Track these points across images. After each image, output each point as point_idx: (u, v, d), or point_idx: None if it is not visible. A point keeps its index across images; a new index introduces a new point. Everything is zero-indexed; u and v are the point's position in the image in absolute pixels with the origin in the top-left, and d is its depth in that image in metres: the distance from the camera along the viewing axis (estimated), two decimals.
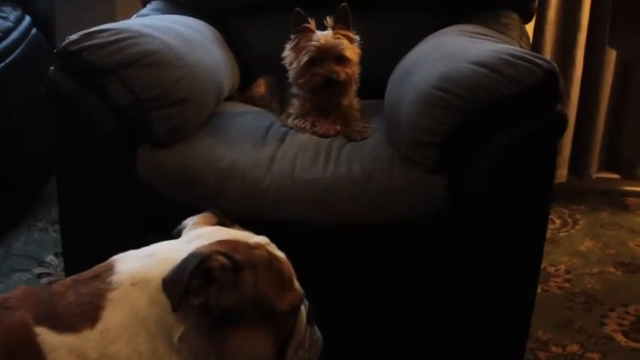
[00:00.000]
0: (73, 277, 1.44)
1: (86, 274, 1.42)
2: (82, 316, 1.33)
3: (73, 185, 2.34)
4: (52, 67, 2.22)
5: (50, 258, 2.94)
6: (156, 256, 1.41)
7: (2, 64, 2.82)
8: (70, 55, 2.17)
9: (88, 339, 1.32)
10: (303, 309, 1.49)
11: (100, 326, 1.33)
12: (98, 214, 2.32)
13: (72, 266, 2.35)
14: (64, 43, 2.19)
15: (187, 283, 1.27)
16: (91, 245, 2.32)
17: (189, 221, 1.59)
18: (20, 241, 3.06)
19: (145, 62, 2.19)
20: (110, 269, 1.40)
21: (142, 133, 2.23)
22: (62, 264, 2.55)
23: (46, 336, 1.30)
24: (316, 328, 1.55)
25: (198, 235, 1.48)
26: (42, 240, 3.08)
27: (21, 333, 1.31)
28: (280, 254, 1.47)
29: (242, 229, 1.55)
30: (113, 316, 1.33)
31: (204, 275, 1.30)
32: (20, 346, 1.31)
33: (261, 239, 1.48)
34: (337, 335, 2.24)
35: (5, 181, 2.99)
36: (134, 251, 1.46)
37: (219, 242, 1.40)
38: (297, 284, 1.46)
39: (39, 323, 1.32)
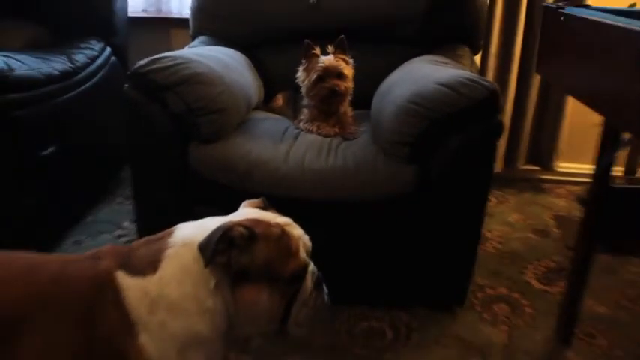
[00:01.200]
0: (146, 237, 1.46)
1: (154, 236, 1.45)
2: (148, 265, 1.37)
3: (141, 171, 2.34)
4: (126, 85, 2.21)
5: (126, 224, 2.94)
6: (203, 226, 1.40)
7: (90, 82, 2.82)
8: (140, 75, 2.17)
9: (150, 281, 1.36)
10: (309, 276, 1.46)
11: (159, 273, 1.36)
12: (160, 193, 2.33)
13: (142, 230, 2.41)
14: (135, 67, 2.20)
15: (214, 247, 1.31)
16: (155, 215, 2.36)
17: (243, 203, 1.58)
18: (104, 212, 3.06)
19: (194, 81, 2.18)
20: (171, 233, 1.43)
21: (192, 134, 2.22)
22: (135, 228, 2.54)
23: (122, 278, 1.35)
24: (324, 291, 1.51)
25: (240, 214, 1.50)
26: (120, 210, 3.08)
27: (106, 275, 1.35)
28: (297, 232, 1.46)
29: (275, 213, 1.52)
30: (168, 266, 1.37)
31: (227, 241, 1.33)
32: (105, 284, 1.35)
33: (283, 220, 1.46)
34: (336, 279, 2.27)
35: (93, 169, 2.99)
36: (192, 222, 1.46)
37: (247, 219, 1.41)
38: (302, 257, 1.43)
39: (119, 269, 1.36)
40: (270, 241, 1.38)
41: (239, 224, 1.36)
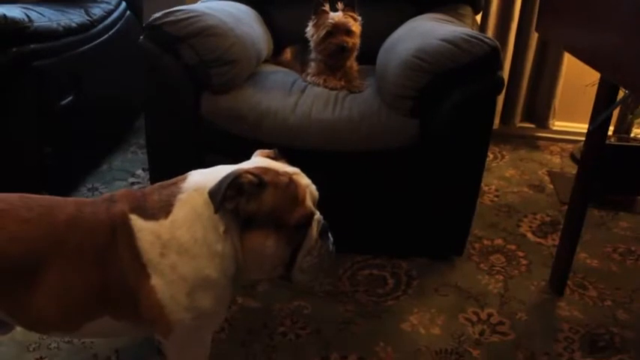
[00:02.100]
0: (159, 183, 1.46)
1: (167, 182, 1.45)
2: (160, 209, 1.37)
3: (155, 121, 2.30)
4: (141, 37, 2.17)
5: (139, 172, 2.91)
6: (215, 173, 1.39)
7: (106, 35, 2.77)
8: (154, 28, 2.13)
9: (162, 225, 1.35)
10: (315, 224, 1.42)
11: (170, 217, 1.36)
12: (172, 141, 2.29)
13: (154, 178, 2.37)
14: (149, 20, 2.15)
15: (224, 193, 1.29)
16: (167, 163, 2.33)
17: (256, 152, 1.56)
18: (119, 160, 3.02)
19: (207, 33, 2.13)
20: (184, 179, 1.42)
21: (205, 84, 2.18)
22: (148, 176, 2.52)
23: (136, 221, 1.36)
24: (329, 241, 1.47)
25: (250, 162, 1.48)
26: (133, 159, 3.04)
27: (120, 217, 1.36)
28: (304, 181, 1.43)
29: (284, 163, 1.50)
30: (180, 211, 1.36)
31: (236, 187, 1.31)
32: (120, 226, 1.36)
33: (292, 169, 1.43)
34: (339, 228, 2.26)
35: (108, 119, 2.95)
36: (205, 169, 1.46)
37: (257, 167, 1.39)
38: (308, 205, 1.40)
39: (132, 212, 1.37)
40: (278, 189, 1.35)
41: (248, 172, 1.33)
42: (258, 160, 1.49)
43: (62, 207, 1.40)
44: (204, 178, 1.40)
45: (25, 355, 1.82)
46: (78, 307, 1.37)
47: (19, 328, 1.88)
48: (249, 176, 1.32)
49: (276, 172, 1.39)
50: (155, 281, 1.35)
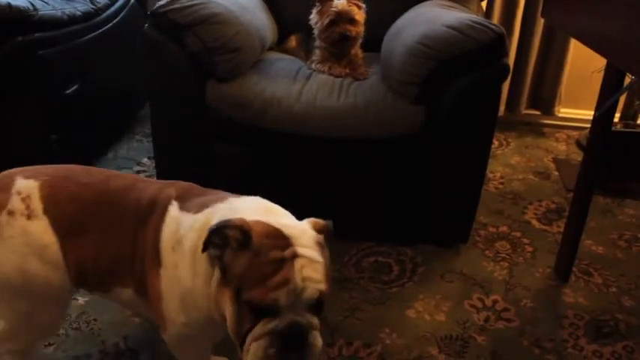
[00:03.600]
0: (211, 193, 1.46)
1: (221, 193, 1.45)
2: (195, 206, 1.39)
3: (160, 109, 2.30)
4: (146, 25, 2.17)
5: (145, 160, 2.92)
6: (232, 212, 1.32)
7: (111, 23, 2.76)
8: (159, 15, 2.13)
9: (186, 219, 1.37)
10: (274, 322, 1.19)
11: (196, 216, 1.37)
12: (177, 129, 2.30)
13: (159, 166, 2.40)
14: (154, 7, 2.15)
15: (208, 237, 1.23)
16: (172, 151, 2.35)
17: (307, 219, 1.35)
18: (124, 148, 3.03)
19: (212, 21, 2.12)
20: (220, 200, 1.39)
21: (209, 72, 2.17)
22: (153, 164, 2.52)
23: (173, 207, 1.40)
24: (285, 355, 1.21)
25: (267, 209, 1.37)
26: (139, 148, 3.05)
27: (165, 200, 1.41)
28: (304, 274, 1.19)
29: (323, 240, 1.30)
30: (202, 216, 1.36)
31: (222, 237, 1.22)
32: (160, 207, 1.41)
33: (307, 253, 1.22)
34: (345, 215, 2.26)
35: (113, 108, 2.95)
36: (235, 199, 1.40)
37: (257, 221, 1.25)
38: (274, 296, 1.17)
39: (176, 199, 1.41)
40: (258, 258, 1.20)
41: (242, 225, 1.22)
42: (273, 211, 1.37)
43: (118, 178, 1.50)
44: (226, 210, 1.34)
45: None
46: (109, 269, 1.43)
47: None
48: (236, 231, 1.21)
49: (276, 243, 1.22)
50: (163, 271, 1.36)
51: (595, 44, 1.64)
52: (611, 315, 2.05)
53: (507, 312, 2.05)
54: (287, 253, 1.20)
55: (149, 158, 2.90)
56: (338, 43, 2.36)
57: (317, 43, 2.42)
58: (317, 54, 2.40)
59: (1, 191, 1.43)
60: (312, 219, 1.34)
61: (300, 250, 1.21)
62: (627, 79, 2.04)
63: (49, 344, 1.82)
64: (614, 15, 1.52)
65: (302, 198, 2.27)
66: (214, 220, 1.28)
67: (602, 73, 1.96)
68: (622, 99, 3.26)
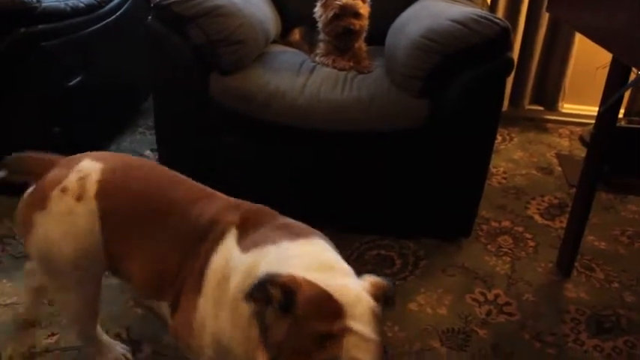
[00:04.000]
0: (273, 226, 1.31)
1: (265, 234, 1.28)
2: (250, 242, 1.26)
3: (163, 101, 2.31)
4: (149, 17, 2.18)
5: (147, 152, 2.92)
6: (282, 261, 1.17)
7: (114, 15, 2.76)
8: (162, 8, 2.13)
9: (236, 257, 1.26)
10: None
11: (241, 257, 1.25)
12: (180, 122, 2.30)
13: (162, 158, 2.40)
14: (158, 0, 2.15)
15: (250, 291, 1.09)
16: (175, 144, 2.35)
17: (370, 278, 1.17)
18: (127, 141, 3.03)
19: (215, 13, 2.12)
20: (273, 242, 1.23)
21: (213, 65, 2.17)
22: (156, 157, 2.52)
23: (229, 237, 1.29)
24: None
25: (323, 263, 1.18)
26: (142, 140, 3.05)
27: (225, 223, 1.31)
28: (356, 355, 1.03)
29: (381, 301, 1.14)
30: (251, 258, 1.23)
31: (265, 293, 1.07)
32: (219, 229, 1.31)
33: (366, 333, 1.05)
34: (348, 208, 2.27)
35: (116, 100, 2.95)
36: (290, 244, 1.23)
37: (306, 281, 1.08)
38: None
39: (237, 227, 1.30)
40: (302, 327, 1.04)
41: (290, 284, 1.06)
42: (341, 274, 1.17)
43: (184, 187, 1.44)
44: (279, 256, 1.20)
45: (37, 331, 1.84)
46: (151, 281, 1.39)
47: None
48: (279, 291, 1.05)
49: (324, 312, 1.05)
50: (201, 302, 1.28)
51: (600, 39, 1.64)
52: (613, 310, 2.06)
53: (509, 306, 2.05)
54: (336, 327, 1.03)
55: (152, 151, 2.90)
56: (342, 37, 2.36)
57: (321, 36, 2.42)
58: (321, 47, 2.41)
59: (64, 167, 1.45)
60: (371, 278, 1.16)
61: (352, 324, 1.04)
62: (632, 75, 2.04)
63: (52, 334, 1.83)
64: (619, 9, 1.52)
65: (305, 191, 2.30)
66: (260, 267, 1.17)
67: (607, 68, 1.96)
68: (626, 95, 3.26)
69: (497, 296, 2.09)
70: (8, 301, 1.94)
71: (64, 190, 1.40)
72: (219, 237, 1.30)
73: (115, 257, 1.43)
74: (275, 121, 2.14)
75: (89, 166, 1.44)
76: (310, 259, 1.18)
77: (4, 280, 2.03)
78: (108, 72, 2.78)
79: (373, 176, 2.25)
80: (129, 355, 1.74)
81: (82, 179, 1.41)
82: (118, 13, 2.79)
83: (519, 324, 1.98)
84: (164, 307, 1.40)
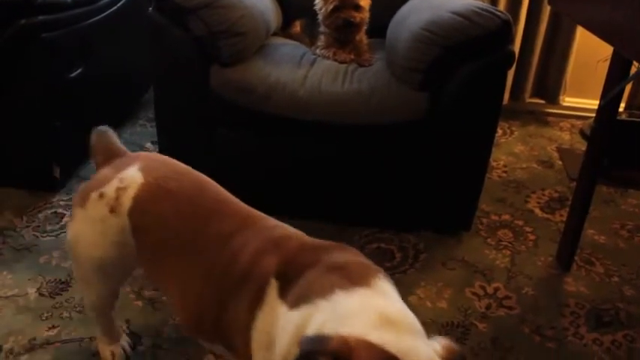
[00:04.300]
0: (319, 272, 1.12)
1: (313, 284, 1.11)
2: (288, 299, 1.11)
3: (164, 93, 2.30)
4: (150, 9, 2.17)
5: (148, 145, 2.92)
6: (335, 319, 1.02)
7: (115, 7, 2.75)
8: None
9: (282, 314, 1.11)
10: None
11: (287, 314, 1.09)
12: (181, 114, 2.29)
13: (163, 151, 2.38)
14: None
15: (301, 353, 0.94)
16: (176, 136, 2.34)
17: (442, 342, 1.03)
18: (127, 133, 3.03)
19: (216, 5, 2.11)
20: (324, 295, 1.06)
21: (214, 56, 2.16)
22: (157, 149, 2.51)
23: (272, 290, 1.14)
24: None
25: (386, 318, 1.01)
26: (142, 132, 3.05)
27: (264, 272, 1.16)
28: None
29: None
30: (291, 323, 1.08)
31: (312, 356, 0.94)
32: (257, 278, 1.17)
33: None
34: (348, 201, 2.26)
35: (117, 92, 2.95)
36: (345, 297, 1.05)
37: (364, 344, 0.93)
38: None
39: (277, 277, 1.15)
40: None
41: (339, 351, 0.91)
42: (408, 332, 1.01)
43: (224, 218, 1.30)
44: (332, 313, 1.03)
45: (38, 324, 1.84)
46: (194, 316, 1.29)
47: (32, 297, 1.91)
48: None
49: None
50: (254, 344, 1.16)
51: (602, 32, 1.64)
52: (612, 304, 2.06)
53: (509, 300, 2.05)
54: None
55: (152, 143, 2.90)
56: (342, 29, 2.35)
57: (322, 28, 2.41)
58: (321, 39, 2.40)
59: (113, 168, 1.42)
60: (444, 341, 1.03)
61: None
62: (633, 69, 2.03)
63: (53, 327, 1.83)
64: (621, 2, 1.51)
65: (305, 184, 2.30)
66: (309, 326, 1.03)
67: (608, 62, 1.96)
68: (627, 88, 3.25)
69: (496, 290, 2.09)
70: (9, 294, 1.95)
71: (101, 196, 1.38)
72: (260, 291, 1.15)
73: (152, 277, 1.40)
74: (275, 114, 2.13)
75: (131, 177, 1.38)
76: (371, 314, 1.00)
77: (5, 273, 2.03)
78: (108, 63, 2.78)
79: (373, 169, 2.25)
80: (127, 348, 1.74)
81: (120, 190, 1.36)
82: (118, 5, 2.78)
83: (519, 318, 1.98)
84: (219, 348, 1.34)
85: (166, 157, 1.48)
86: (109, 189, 1.38)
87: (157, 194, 1.35)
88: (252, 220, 1.31)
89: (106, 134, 1.54)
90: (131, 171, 1.39)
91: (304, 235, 1.29)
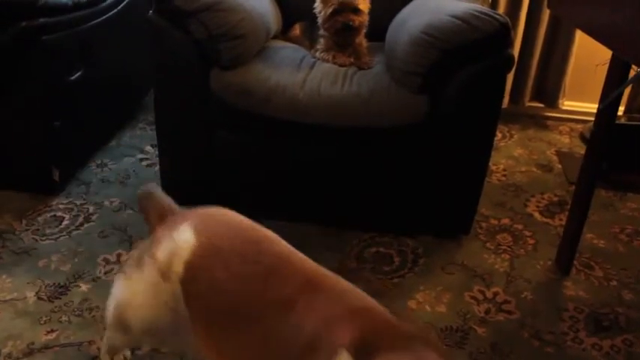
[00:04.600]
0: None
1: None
2: None
3: (164, 96, 2.29)
4: (150, 11, 2.16)
5: (148, 148, 2.91)
6: None
7: (116, 9, 2.74)
8: (164, 2, 2.12)
9: None
10: None
11: None
12: (181, 117, 2.29)
13: (163, 154, 2.39)
14: None
15: None
16: (176, 139, 2.33)
17: None
18: (127, 136, 3.02)
19: (216, 8, 2.11)
20: None
21: (214, 60, 2.16)
22: (156, 152, 2.50)
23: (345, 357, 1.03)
24: None
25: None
26: (142, 135, 3.04)
27: (333, 345, 1.05)
28: None
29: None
30: None
31: None
32: (325, 351, 1.06)
33: None
34: (347, 205, 2.26)
35: (117, 95, 2.94)
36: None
37: None
38: None
39: (351, 344, 1.03)
40: None
41: None
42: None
43: (282, 280, 1.19)
44: None
45: (36, 328, 1.83)
46: None
47: (30, 301, 1.91)
48: None
49: None
50: None
51: (601, 35, 1.63)
52: (611, 308, 2.05)
53: (508, 304, 2.04)
54: None
55: (152, 146, 2.89)
56: (341, 33, 2.34)
57: (321, 32, 2.40)
58: (321, 43, 2.39)
59: (167, 229, 1.36)
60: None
61: None
62: (632, 72, 2.02)
63: (52, 331, 1.82)
64: (621, 6, 1.51)
65: (304, 187, 2.29)
66: None
67: (607, 66, 1.95)
68: (626, 92, 3.25)
69: (496, 294, 2.08)
70: (8, 297, 1.94)
71: (154, 260, 1.33)
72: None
73: (206, 350, 1.29)
74: (275, 117, 2.13)
75: (184, 240, 1.30)
76: None
77: (4, 276, 2.03)
78: (109, 66, 2.77)
79: (372, 172, 2.24)
80: (127, 354, 1.73)
81: (172, 255, 1.29)
82: (119, 7, 2.78)
83: (518, 322, 1.97)
84: None
85: (220, 211, 1.39)
86: (162, 252, 1.32)
87: (209, 257, 1.27)
88: (317, 281, 1.19)
89: (153, 194, 1.50)
90: (183, 230, 1.32)
91: (385, 309, 1.17)
